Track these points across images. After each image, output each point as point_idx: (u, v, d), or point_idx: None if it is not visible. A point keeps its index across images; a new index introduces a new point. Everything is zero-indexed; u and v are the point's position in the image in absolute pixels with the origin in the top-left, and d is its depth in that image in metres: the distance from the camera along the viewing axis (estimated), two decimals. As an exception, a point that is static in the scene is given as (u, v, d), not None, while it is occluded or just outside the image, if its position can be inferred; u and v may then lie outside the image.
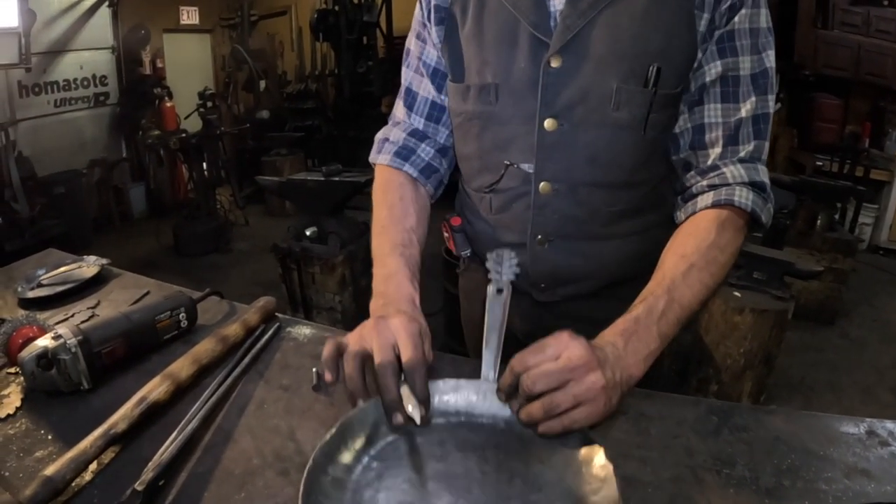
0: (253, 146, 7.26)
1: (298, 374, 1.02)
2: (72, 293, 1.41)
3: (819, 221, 4.32)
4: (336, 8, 7.19)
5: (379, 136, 1.37)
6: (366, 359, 0.85)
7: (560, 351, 0.80)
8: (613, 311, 0.95)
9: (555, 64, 1.06)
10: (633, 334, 0.88)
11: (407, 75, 1.34)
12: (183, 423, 0.85)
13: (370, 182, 3.81)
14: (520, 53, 1.10)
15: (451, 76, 1.24)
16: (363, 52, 7.35)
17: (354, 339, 0.89)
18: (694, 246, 1.01)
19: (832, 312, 4.43)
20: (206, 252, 6.01)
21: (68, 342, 0.94)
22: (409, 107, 1.34)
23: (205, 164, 6.13)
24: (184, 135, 6.10)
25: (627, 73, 1.05)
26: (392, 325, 0.89)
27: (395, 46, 7.92)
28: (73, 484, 0.76)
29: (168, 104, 7.24)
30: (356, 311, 3.98)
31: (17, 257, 1.68)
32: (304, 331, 1.18)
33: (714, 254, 1.00)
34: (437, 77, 1.30)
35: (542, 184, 1.14)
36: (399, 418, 0.80)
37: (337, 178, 3.73)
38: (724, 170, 1.07)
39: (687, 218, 1.10)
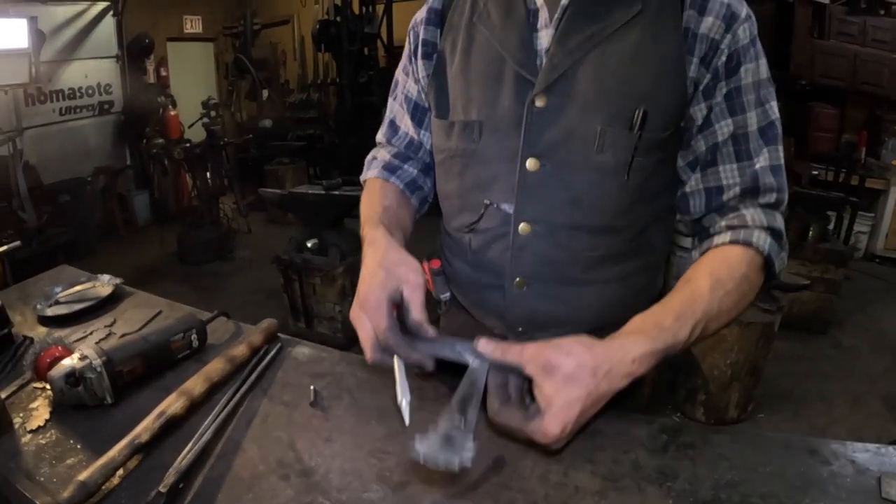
0: (255, 155, 7.35)
1: (298, 391, 1.11)
2: (88, 311, 1.47)
3: (811, 232, 4.35)
4: (338, 19, 7.27)
5: (368, 157, 1.41)
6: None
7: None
8: None
9: (539, 103, 1.05)
10: (662, 350, 0.88)
11: (392, 107, 1.37)
12: (198, 434, 0.94)
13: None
14: (505, 91, 1.09)
15: (435, 112, 1.23)
16: (364, 62, 7.43)
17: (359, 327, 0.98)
18: (728, 273, 0.97)
19: (824, 322, 4.45)
20: (209, 260, 6.07)
21: (94, 362, 1.03)
22: (390, 139, 1.38)
23: (208, 174, 6.21)
24: (188, 144, 6.18)
25: (613, 115, 1.03)
26: (364, 309, 0.96)
27: (396, 57, 8.00)
28: (103, 487, 0.85)
29: (172, 112, 7.24)
30: (356, 321, 4.06)
31: (25, 266, 1.73)
32: (303, 350, 1.26)
33: (745, 287, 0.98)
34: (417, 112, 1.32)
35: (521, 224, 1.12)
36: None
37: (337, 192, 3.82)
38: (744, 212, 1.04)
39: (703, 253, 1.05)
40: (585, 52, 1.02)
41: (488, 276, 1.20)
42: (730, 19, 1.00)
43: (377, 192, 1.28)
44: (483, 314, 1.27)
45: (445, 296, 1.32)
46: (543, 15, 1.07)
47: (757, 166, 1.03)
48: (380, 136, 1.42)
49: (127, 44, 7.34)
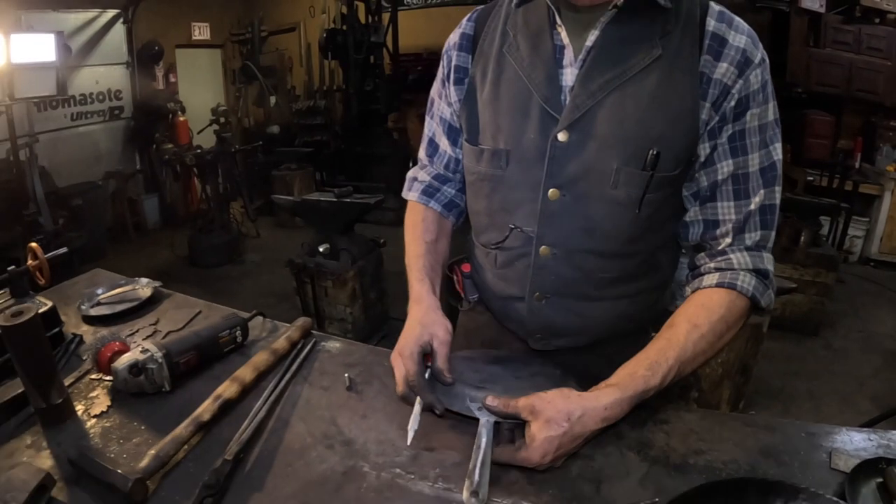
0: (263, 160, 7.43)
1: (334, 378, 1.28)
2: (131, 312, 1.60)
3: (802, 238, 4.43)
4: (344, 28, 7.35)
5: (410, 174, 1.50)
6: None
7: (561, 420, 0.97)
8: (601, 367, 1.09)
9: (562, 138, 1.11)
10: (631, 398, 1.02)
11: (430, 126, 1.44)
12: (252, 413, 1.11)
13: (379, 203, 4.08)
14: (531, 124, 1.15)
15: (466, 136, 1.30)
16: (370, 70, 7.51)
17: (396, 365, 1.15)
18: (706, 318, 1.08)
19: (816, 324, 4.54)
20: (219, 263, 6.15)
21: (155, 354, 1.19)
22: (431, 157, 1.45)
23: (220, 180, 6.29)
24: (199, 151, 6.26)
25: (629, 155, 1.09)
26: (401, 354, 1.13)
27: (401, 66, 8.12)
28: (172, 459, 1.00)
29: (181, 118, 7.37)
30: (365, 322, 4.19)
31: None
32: (334, 344, 1.43)
33: (721, 329, 1.09)
34: (451, 132, 1.39)
35: (542, 247, 1.21)
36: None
37: (348, 200, 3.94)
38: (731, 256, 1.13)
39: (693, 291, 1.16)
40: (606, 94, 1.08)
41: (511, 288, 1.31)
42: (743, 65, 1.05)
43: (419, 223, 1.41)
44: (506, 320, 1.40)
45: (474, 297, 1.46)
46: (569, 53, 1.13)
47: (752, 206, 1.11)
48: (421, 154, 1.49)
49: (137, 50, 7.44)
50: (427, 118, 1.46)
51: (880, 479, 0.93)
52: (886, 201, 6.01)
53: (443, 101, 1.38)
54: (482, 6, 1.33)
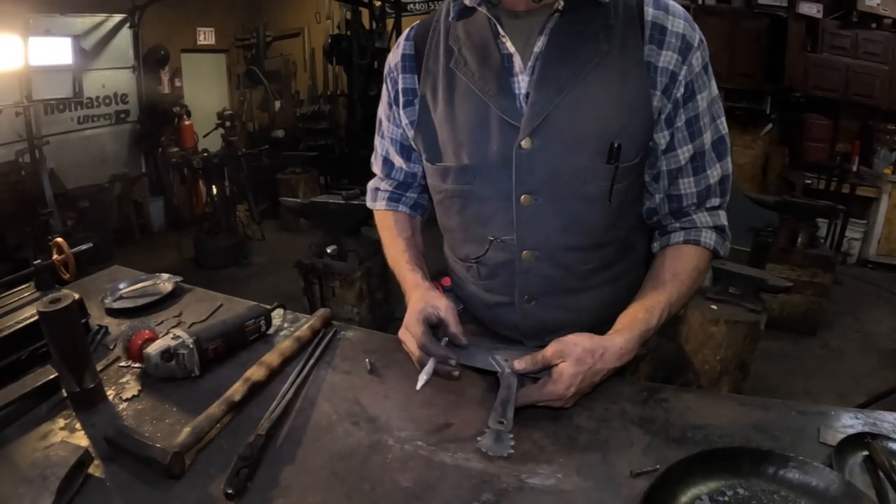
0: (268, 164, 7.45)
1: (355, 363, 1.35)
2: (153, 305, 1.65)
3: (800, 239, 4.50)
4: (348, 33, 7.42)
5: (371, 185, 1.56)
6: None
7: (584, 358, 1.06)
8: None
9: (525, 145, 1.13)
10: (639, 336, 1.12)
11: (382, 145, 1.47)
12: (280, 394, 1.18)
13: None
14: (492, 136, 1.17)
15: (426, 156, 1.31)
16: (374, 76, 7.54)
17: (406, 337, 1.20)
18: (682, 267, 1.22)
19: (813, 324, 4.60)
20: (225, 265, 6.19)
21: (186, 341, 1.26)
22: (388, 174, 1.50)
23: (226, 183, 6.33)
24: (206, 154, 6.29)
25: (592, 151, 1.13)
26: (407, 328, 1.18)
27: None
28: (206, 436, 1.07)
29: (186, 122, 7.46)
30: (372, 321, 4.24)
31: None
32: (354, 333, 1.50)
33: (695, 276, 1.23)
34: (404, 151, 1.43)
35: (524, 252, 1.24)
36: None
37: (356, 202, 3.99)
38: (694, 216, 1.25)
39: (662, 248, 1.29)
40: (563, 96, 1.11)
41: (499, 296, 1.35)
42: (685, 50, 1.11)
43: (394, 227, 1.47)
44: (497, 326, 1.43)
45: (459, 307, 1.43)
46: (517, 61, 1.15)
47: (711, 181, 1.22)
48: (377, 170, 1.53)
49: (143, 55, 7.49)
50: (377, 137, 1.48)
51: (866, 453, 1.00)
52: (884, 204, 6.06)
53: (391, 124, 1.41)
54: (417, 22, 1.35)
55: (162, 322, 1.56)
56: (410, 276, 1.32)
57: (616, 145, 1.12)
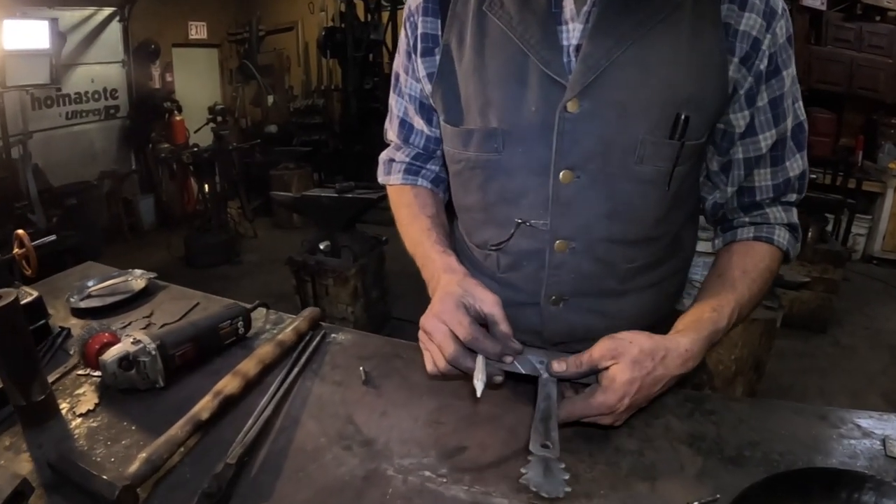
0: (260, 160, 7.39)
1: (347, 372, 1.17)
2: (123, 304, 1.51)
3: (810, 233, 4.41)
4: (343, 26, 7.31)
5: (383, 157, 1.35)
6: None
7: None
8: None
9: (572, 109, 0.94)
10: (706, 338, 0.93)
11: (399, 104, 1.26)
12: (257, 411, 1.01)
13: (382, 198, 4.00)
14: (530, 95, 0.98)
15: (444, 116, 1.11)
16: (369, 69, 7.47)
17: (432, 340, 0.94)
18: (753, 265, 1.04)
19: (823, 321, 4.53)
20: (217, 264, 6.11)
21: (148, 346, 1.09)
22: (406, 139, 1.29)
23: (217, 179, 6.25)
24: (196, 149, 6.22)
25: (655, 122, 0.95)
26: (440, 317, 0.93)
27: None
28: (167, 463, 0.90)
29: (177, 118, 7.38)
30: (367, 321, 4.13)
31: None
32: (346, 336, 1.33)
33: (766, 277, 1.04)
34: (424, 111, 1.22)
35: (557, 242, 1.04)
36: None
37: (350, 195, 3.88)
38: (767, 210, 1.08)
39: (726, 244, 1.11)
40: (623, 50, 0.92)
41: (521, 294, 1.14)
42: (770, 16, 0.94)
43: (414, 203, 1.25)
44: (516, 331, 1.07)
45: None
46: (569, 5, 0.96)
47: (790, 174, 1.06)
48: (392, 136, 1.33)
49: (133, 49, 7.39)
50: (393, 96, 1.28)
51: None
52: (889, 199, 6.01)
53: (410, 77, 1.20)
54: None
55: (130, 323, 1.42)
56: (440, 259, 1.08)
57: (683, 117, 0.94)
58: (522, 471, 0.81)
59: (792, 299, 4.33)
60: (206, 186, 6.25)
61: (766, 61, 0.97)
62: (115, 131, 7.41)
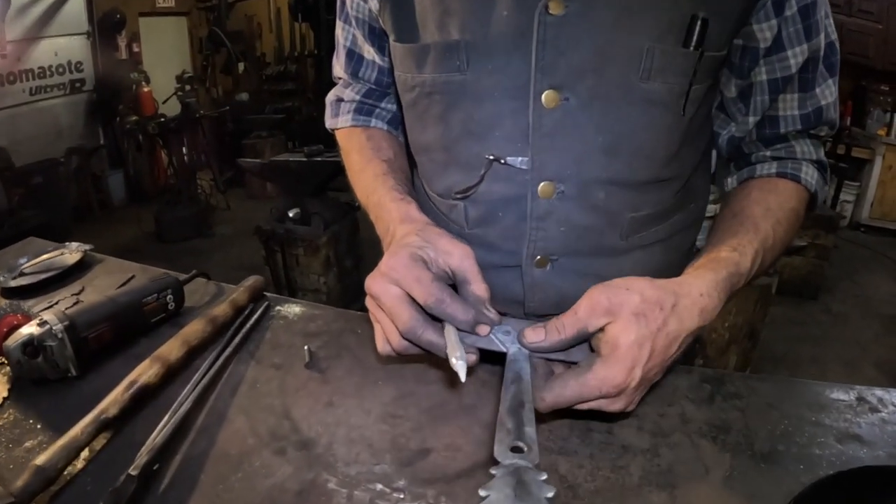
0: (233, 129, 7.31)
1: (290, 353, 0.99)
2: (55, 280, 1.37)
3: None
4: (315, -12, 7.12)
5: (330, 97, 1.15)
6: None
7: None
8: None
9: (555, 10, 0.74)
10: (725, 280, 0.72)
11: (345, 33, 1.06)
12: (175, 405, 0.83)
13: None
14: None
15: (395, 35, 0.91)
16: (343, 32, 7.31)
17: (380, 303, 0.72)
18: (777, 203, 0.85)
19: (815, 287, 4.55)
20: (188, 237, 6.05)
21: (54, 328, 0.92)
22: (355, 73, 1.09)
23: (185, 149, 6.16)
24: (162, 119, 6.10)
25: (664, 25, 0.75)
26: (389, 275, 0.70)
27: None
28: (66, 472, 0.74)
29: (145, 89, 7.12)
30: (341, 292, 4.03)
31: (-6, 250, 1.65)
32: (293, 309, 1.15)
33: (793, 220, 0.86)
34: (375, 37, 1.02)
35: (541, 185, 0.84)
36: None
37: (319, 159, 3.74)
38: (794, 143, 0.91)
39: (743, 182, 0.94)
40: None
41: (496, 255, 0.93)
42: None
43: (367, 147, 1.04)
44: (491, 301, 0.82)
45: None
46: None
47: (822, 102, 0.87)
48: (339, 72, 1.12)
49: (98, 20, 7.20)
50: (339, 23, 1.06)
51: None
52: (877, 166, 6.06)
53: None
54: None
55: (57, 302, 1.25)
56: (397, 208, 0.87)
57: (701, 19, 0.73)
58: (482, 493, 0.52)
59: (783, 265, 4.30)
60: (175, 158, 6.14)
61: None
62: (82, 105, 7.24)
